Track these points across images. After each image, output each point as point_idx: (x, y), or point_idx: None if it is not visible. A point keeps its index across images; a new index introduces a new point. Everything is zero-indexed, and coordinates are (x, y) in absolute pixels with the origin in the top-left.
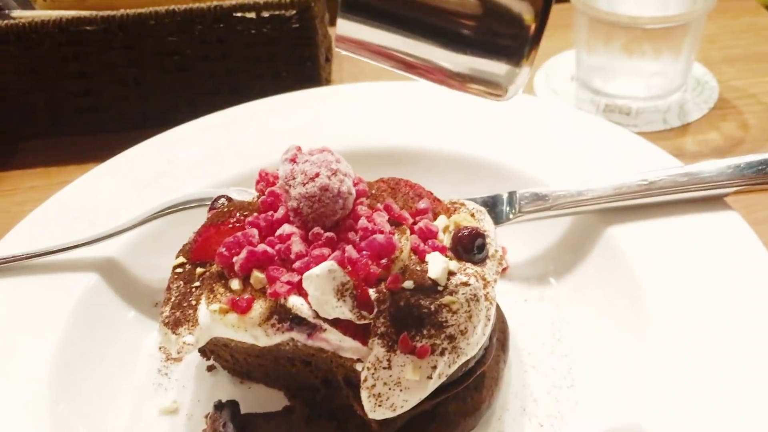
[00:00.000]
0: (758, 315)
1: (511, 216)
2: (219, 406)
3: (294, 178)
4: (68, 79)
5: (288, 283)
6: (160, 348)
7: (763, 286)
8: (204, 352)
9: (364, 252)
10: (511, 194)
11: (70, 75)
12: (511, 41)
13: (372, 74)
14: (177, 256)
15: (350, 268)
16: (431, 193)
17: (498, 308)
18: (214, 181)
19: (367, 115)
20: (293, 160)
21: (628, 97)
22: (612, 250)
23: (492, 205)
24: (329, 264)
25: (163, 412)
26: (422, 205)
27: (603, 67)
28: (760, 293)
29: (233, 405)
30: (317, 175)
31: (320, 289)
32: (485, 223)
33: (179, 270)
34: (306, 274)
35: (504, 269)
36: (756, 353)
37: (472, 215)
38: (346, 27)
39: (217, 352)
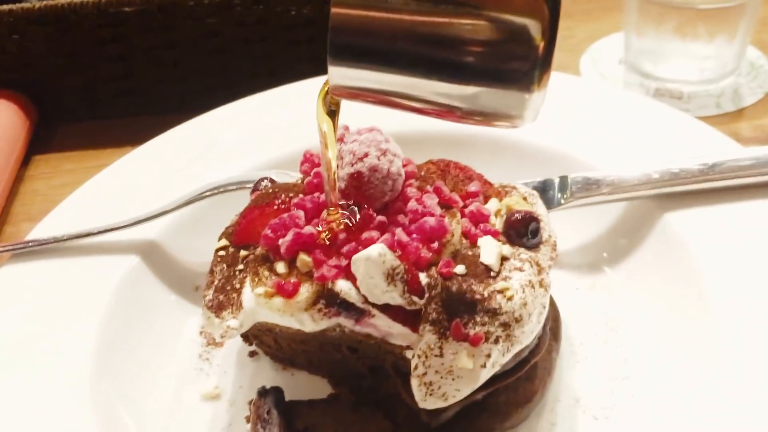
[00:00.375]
0: None
1: (562, 201)
2: (263, 393)
3: (342, 159)
4: (106, 61)
5: (335, 266)
6: (201, 332)
7: None
8: (247, 337)
9: (414, 235)
10: (563, 179)
11: (108, 57)
12: (520, 64)
13: None
14: (219, 239)
15: (400, 252)
16: (482, 176)
17: (550, 297)
18: (254, 163)
19: None
20: (341, 140)
21: (679, 80)
22: (670, 237)
23: (542, 190)
24: (379, 247)
25: (205, 398)
26: (473, 188)
27: (653, 50)
28: None
29: (278, 391)
30: (366, 155)
31: (370, 273)
32: (538, 207)
33: (222, 253)
34: (355, 257)
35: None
36: None
37: (525, 199)
38: (339, 75)
39: (260, 337)
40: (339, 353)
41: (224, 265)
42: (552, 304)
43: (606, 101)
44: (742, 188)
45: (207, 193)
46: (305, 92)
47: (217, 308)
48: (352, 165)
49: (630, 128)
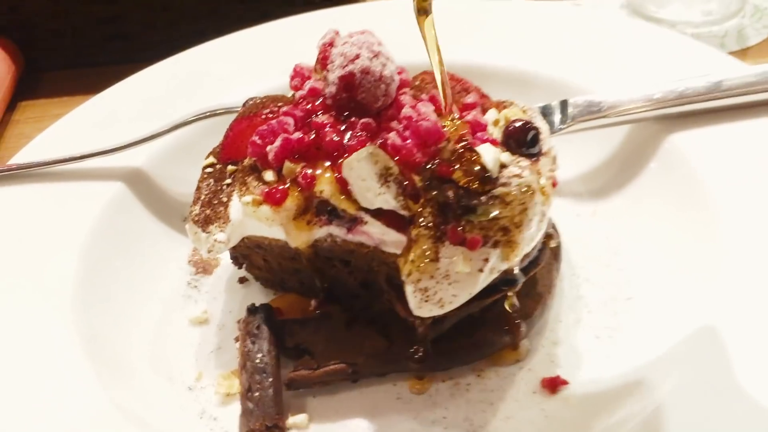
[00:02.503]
0: None
1: (563, 125)
2: (253, 310)
3: (332, 62)
4: (94, 4)
5: (325, 173)
6: (189, 261)
7: None
8: (236, 258)
9: (409, 140)
10: (563, 103)
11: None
12: None
13: None
14: (207, 158)
15: (396, 158)
16: (479, 89)
17: (551, 220)
18: (245, 94)
19: (408, 31)
20: (331, 44)
21: (683, 22)
22: (674, 158)
23: (543, 114)
24: (371, 148)
25: (193, 322)
26: (470, 99)
27: None
28: None
29: (267, 308)
30: (357, 56)
31: (362, 175)
32: (537, 120)
33: (209, 170)
34: (347, 160)
35: (553, 185)
36: None
37: (524, 112)
38: None
39: (249, 257)
40: (331, 268)
41: (211, 180)
42: (552, 226)
43: (606, 27)
44: (748, 106)
45: (193, 119)
46: (297, 27)
47: (204, 223)
48: (343, 67)
49: (631, 52)
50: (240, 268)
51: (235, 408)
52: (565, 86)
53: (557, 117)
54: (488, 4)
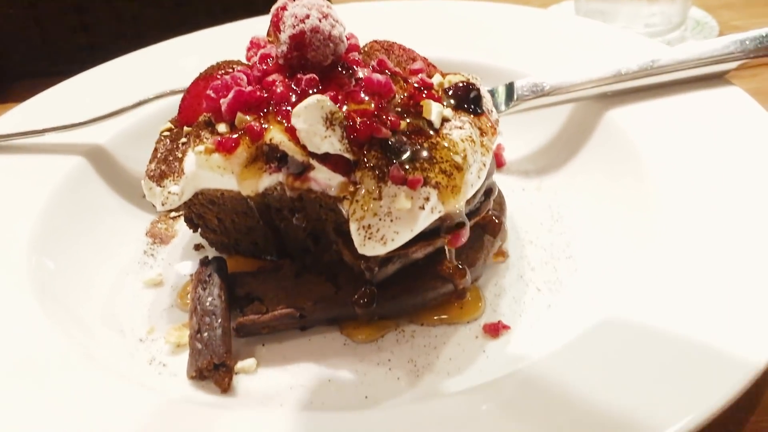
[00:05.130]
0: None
1: (510, 104)
2: (205, 262)
3: (284, 23)
4: (65, 13)
5: (275, 122)
6: (146, 233)
7: None
8: (190, 220)
9: (361, 93)
10: (509, 85)
11: (66, 8)
12: None
13: None
14: (164, 125)
15: (345, 106)
16: (426, 59)
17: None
18: None
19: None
20: (284, 8)
21: None
22: (612, 132)
23: (491, 94)
24: (317, 96)
25: (147, 285)
26: (417, 65)
27: (602, 10)
28: None
29: (220, 260)
30: (307, 17)
31: (309, 120)
32: (482, 87)
33: (166, 133)
34: (295, 109)
35: (501, 165)
36: (761, 226)
37: (467, 79)
38: None
39: (204, 217)
40: (282, 220)
41: (167, 141)
42: (499, 193)
43: (552, 25)
44: (681, 83)
45: (155, 96)
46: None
47: (159, 177)
48: (294, 27)
49: (573, 45)
50: (195, 231)
51: (185, 357)
52: (515, 74)
53: (504, 97)
54: (445, 4)
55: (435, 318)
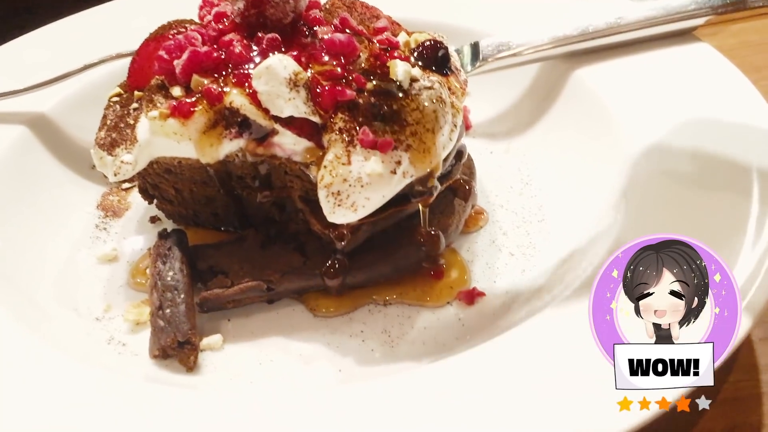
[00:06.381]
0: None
1: (475, 65)
2: (164, 234)
3: None
4: None
5: (235, 84)
6: (98, 206)
7: (743, 107)
8: (145, 191)
9: (323, 54)
10: (474, 45)
11: None
12: None
13: None
14: (113, 90)
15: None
16: (390, 17)
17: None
18: None
19: None
20: None
21: None
22: (581, 91)
23: (456, 53)
24: (279, 55)
25: (102, 260)
26: (381, 24)
27: None
28: (741, 114)
29: (179, 232)
30: None
31: (271, 82)
32: (449, 46)
33: (115, 99)
34: (255, 70)
35: (468, 128)
36: (733, 179)
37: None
38: None
39: (159, 188)
40: (244, 189)
41: (117, 107)
42: (468, 157)
43: None
44: (649, 40)
45: (98, 62)
46: None
47: (110, 146)
48: None
49: (538, 4)
50: (150, 203)
51: (146, 335)
52: (480, 34)
53: (469, 57)
54: None
55: (428, 300)
